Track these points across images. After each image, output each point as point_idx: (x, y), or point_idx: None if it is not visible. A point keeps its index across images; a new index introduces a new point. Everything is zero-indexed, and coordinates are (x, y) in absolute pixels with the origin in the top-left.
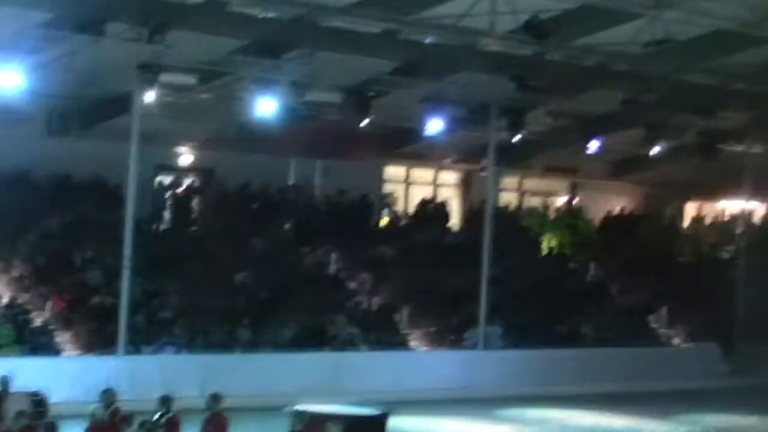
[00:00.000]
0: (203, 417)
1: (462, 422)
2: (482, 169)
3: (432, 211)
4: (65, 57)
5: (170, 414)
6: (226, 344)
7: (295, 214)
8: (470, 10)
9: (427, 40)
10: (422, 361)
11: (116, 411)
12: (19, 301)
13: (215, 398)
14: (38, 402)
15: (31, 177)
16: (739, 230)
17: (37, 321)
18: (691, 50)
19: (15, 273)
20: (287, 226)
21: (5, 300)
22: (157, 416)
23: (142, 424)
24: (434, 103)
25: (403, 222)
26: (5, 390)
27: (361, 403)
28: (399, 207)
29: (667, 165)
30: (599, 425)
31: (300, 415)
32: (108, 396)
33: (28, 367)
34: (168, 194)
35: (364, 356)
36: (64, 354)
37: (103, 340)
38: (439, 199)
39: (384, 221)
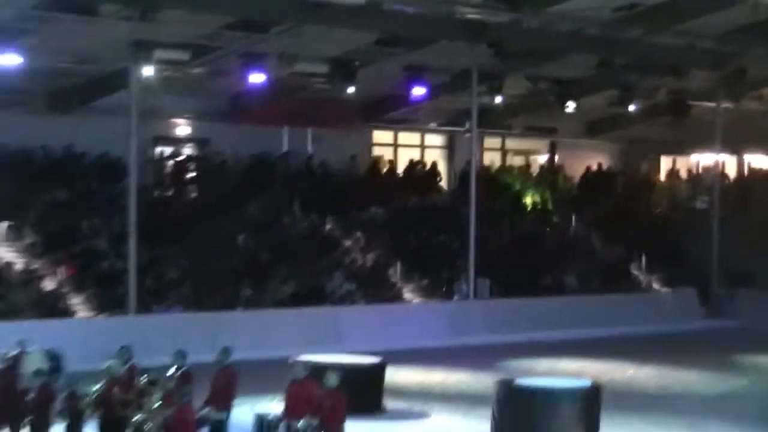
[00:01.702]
0: (213, 370)
1: (454, 373)
2: (466, 132)
3: (421, 172)
4: (62, 37)
5: (184, 368)
6: (230, 302)
7: (291, 180)
8: None
9: (408, 11)
10: (416, 313)
11: (133, 367)
12: (32, 267)
13: (225, 352)
14: (54, 360)
15: (36, 153)
16: (712, 182)
17: (50, 285)
18: (660, 14)
19: (27, 241)
20: (284, 191)
21: (19, 266)
22: (172, 370)
23: (150, 383)
24: (417, 70)
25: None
26: (22, 351)
27: (359, 355)
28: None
29: (642, 123)
30: (587, 371)
31: (302, 365)
32: (125, 352)
33: (43, 330)
34: (168, 164)
35: (361, 310)
36: (77, 316)
37: (113, 302)
38: (427, 161)
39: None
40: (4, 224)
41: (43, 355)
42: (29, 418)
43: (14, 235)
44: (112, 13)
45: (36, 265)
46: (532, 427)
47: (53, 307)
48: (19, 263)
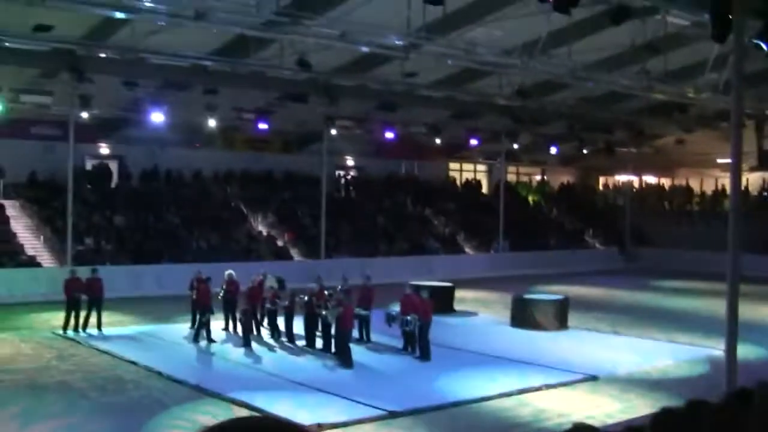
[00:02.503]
0: (361, 287)
1: (491, 292)
2: (498, 163)
3: (474, 185)
4: (289, 114)
5: (347, 286)
6: (372, 252)
7: (406, 188)
8: (490, 83)
9: (469, 99)
10: (471, 260)
11: (322, 285)
12: (271, 233)
13: (367, 277)
14: (280, 281)
15: (274, 173)
16: (626, 190)
17: (280, 243)
18: (599, 102)
19: (269, 219)
20: (402, 193)
21: (265, 233)
22: (340, 287)
23: (330, 295)
24: (473, 130)
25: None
26: (265, 276)
27: (441, 281)
28: (457, 184)
29: (590, 158)
30: (561, 290)
31: (410, 286)
32: (318, 278)
33: (276, 266)
34: (342, 180)
35: (443, 258)
36: (295, 259)
37: (313, 251)
38: (477, 179)
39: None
40: (258, 214)
41: (275, 277)
42: (265, 310)
43: (262, 216)
44: (315, 101)
45: (273, 232)
46: (531, 319)
47: (281, 255)
48: (264, 231)
